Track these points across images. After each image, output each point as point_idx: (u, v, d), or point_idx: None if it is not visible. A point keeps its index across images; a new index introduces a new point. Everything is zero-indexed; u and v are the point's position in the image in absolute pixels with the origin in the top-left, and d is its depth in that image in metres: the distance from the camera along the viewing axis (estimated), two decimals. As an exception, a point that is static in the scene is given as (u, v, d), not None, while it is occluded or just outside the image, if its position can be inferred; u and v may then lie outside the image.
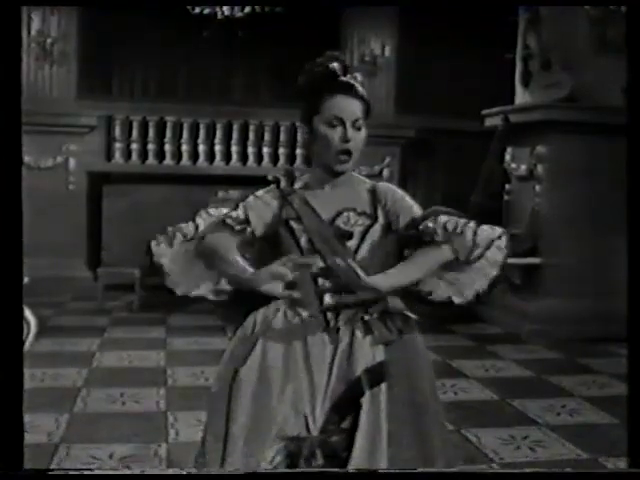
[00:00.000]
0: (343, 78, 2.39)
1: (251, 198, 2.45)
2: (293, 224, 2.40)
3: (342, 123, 2.34)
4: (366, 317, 2.36)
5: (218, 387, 2.45)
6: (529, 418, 5.05)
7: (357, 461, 2.27)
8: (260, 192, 2.48)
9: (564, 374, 6.21)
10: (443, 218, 2.36)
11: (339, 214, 2.39)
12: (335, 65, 2.40)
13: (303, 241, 2.39)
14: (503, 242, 2.36)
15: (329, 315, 2.38)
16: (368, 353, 2.34)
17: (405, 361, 2.38)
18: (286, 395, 2.34)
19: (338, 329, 2.37)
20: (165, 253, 2.41)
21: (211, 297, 2.44)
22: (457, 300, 2.41)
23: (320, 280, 2.38)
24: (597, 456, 4.32)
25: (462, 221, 2.35)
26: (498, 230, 2.37)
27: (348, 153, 2.35)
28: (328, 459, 2.32)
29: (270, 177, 2.51)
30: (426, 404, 2.38)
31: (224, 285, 2.41)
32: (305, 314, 2.39)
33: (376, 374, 2.33)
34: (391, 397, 2.32)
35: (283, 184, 2.46)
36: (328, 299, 2.38)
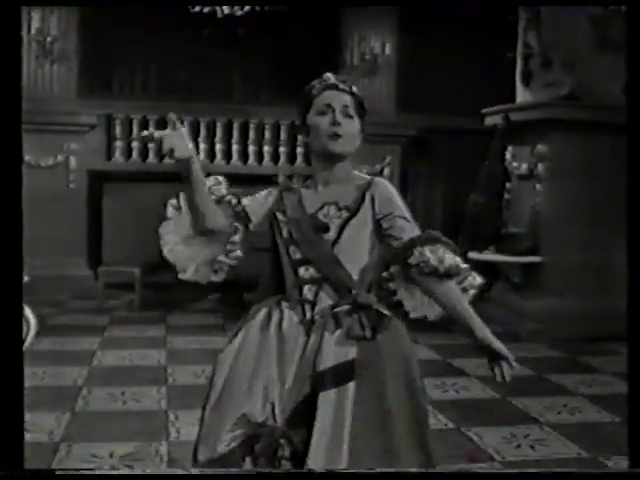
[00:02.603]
0: (332, 79, 2.48)
1: (250, 197, 2.55)
2: (278, 215, 2.49)
3: (332, 110, 2.42)
4: (336, 310, 2.38)
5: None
6: (530, 417, 5.05)
7: (315, 457, 2.27)
8: (260, 192, 2.57)
9: (565, 373, 6.21)
10: (440, 252, 2.35)
11: (322, 207, 2.45)
12: (328, 74, 2.49)
13: (284, 232, 2.46)
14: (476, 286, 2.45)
15: (306, 307, 2.42)
16: (338, 349, 2.35)
17: (377, 361, 2.37)
18: (258, 383, 2.37)
19: (313, 321, 2.40)
20: (169, 230, 2.53)
21: (205, 281, 2.56)
22: (430, 317, 2.51)
23: (301, 271, 2.43)
24: (598, 455, 4.32)
25: (456, 261, 2.37)
26: (479, 281, 2.45)
27: (338, 136, 2.40)
28: (290, 451, 2.33)
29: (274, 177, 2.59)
30: (398, 406, 2.36)
31: (223, 260, 2.50)
32: (285, 304, 2.45)
33: (344, 371, 2.33)
34: (358, 397, 2.31)
35: (281, 179, 2.54)
36: (307, 290, 2.42)
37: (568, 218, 7.60)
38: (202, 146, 10.63)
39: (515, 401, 5.38)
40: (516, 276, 8.00)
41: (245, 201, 2.52)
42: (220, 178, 2.56)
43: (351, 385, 2.32)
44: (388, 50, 10.59)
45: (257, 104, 10.88)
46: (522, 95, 8.36)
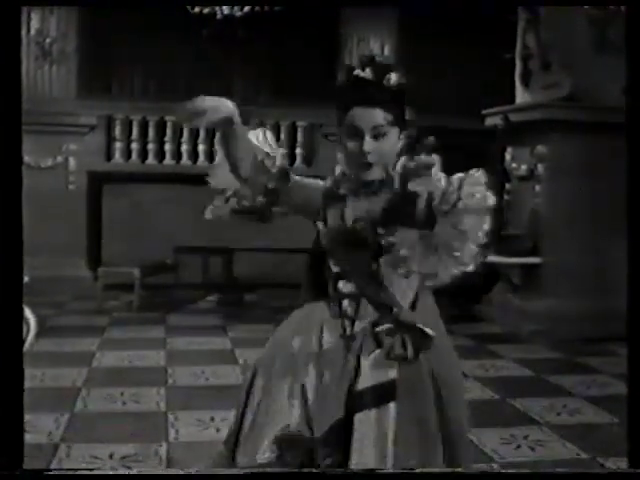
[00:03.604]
0: (364, 88, 2.30)
1: (305, 180, 2.44)
2: (320, 226, 2.41)
3: (361, 134, 2.27)
4: (376, 329, 2.28)
5: (244, 379, 2.49)
6: (529, 418, 5.05)
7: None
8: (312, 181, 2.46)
9: (564, 373, 6.21)
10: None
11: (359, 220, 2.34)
12: (359, 73, 2.31)
13: (325, 243, 2.39)
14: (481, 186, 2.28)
15: (346, 322, 2.34)
16: (379, 368, 2.27)
17: (419, 381, 2.29)
18: (295, 395, 2.32)
19: (353, 337, 2.32)
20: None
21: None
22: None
23: (340, 284, 2.36)
24: (597, 456, 4.32)
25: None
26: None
27: (369, 164, 2.29)
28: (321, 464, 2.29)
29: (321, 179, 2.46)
30: (441, 426, 2.31)
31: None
32: (326, 316, 2.37)
33: (384, 392, 2.25)
34: (400, 418, 2.25)
35: (328, 183, 2.43)
36: (346, 305, 2.35)
37: (568, 219, 7.61)
38: (201, 147, 10.64)
39: (514, 402, 5.38)
40: (516, 277, 8.00)
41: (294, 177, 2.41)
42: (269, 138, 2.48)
43: (392, 406, 2.25)
44: (387, 51, 10.60)
45: (256, 105, 10.88)
46: (522, 96, 8.37)
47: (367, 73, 2.30)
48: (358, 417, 2.25)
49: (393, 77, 2.29)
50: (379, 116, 2.27)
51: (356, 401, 2.26)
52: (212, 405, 5.13)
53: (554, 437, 4.66)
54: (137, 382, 5.72)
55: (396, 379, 2.27)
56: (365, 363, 2.28)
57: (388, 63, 2.35)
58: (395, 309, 2.29)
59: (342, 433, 2.27)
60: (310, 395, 2.32)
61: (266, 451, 2.31)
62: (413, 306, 2.33)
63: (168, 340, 7.21)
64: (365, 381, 2.27)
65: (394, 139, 2.31)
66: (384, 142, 2.28)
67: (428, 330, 2.27)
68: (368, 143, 2.26)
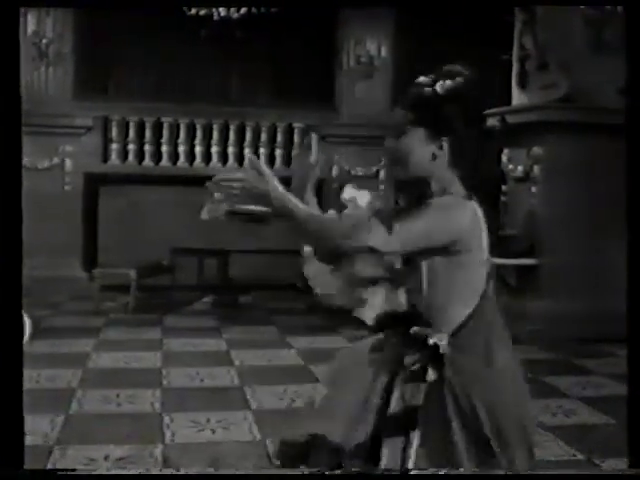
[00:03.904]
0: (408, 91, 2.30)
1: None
2: None
3: (387, 132, 2.30)
4: (406, 360, 2.21)
5: None
6: (525, 419, 5.05)
7: None
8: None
9: (560, 375, 6.22)
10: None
11: None
12: (420, 77, 2.30)
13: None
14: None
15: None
16: (405, 393, 2.21)
17: (443, 407, 2.17)
18: (340, 404, 2.29)
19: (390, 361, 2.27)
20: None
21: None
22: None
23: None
24: (593, 457, 4.32)
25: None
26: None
27: (391, 162, 2.29)
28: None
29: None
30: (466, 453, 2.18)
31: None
32: (377, 338, 2.33)
33: (409, 418, 2.19)
34: (421, 450, 2.18)
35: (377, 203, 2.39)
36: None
37: (564, 220, 7.62)
38: (198, 149, 10.64)
39: (511, 403, 5.37)
40: (512, 278, 8.00)
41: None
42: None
43: (416, 435, 2.18)
44: (384, 52, 10.62)
45: (254, 106, 10.89)
46: (518, 97, 8.38)
47: (426, 78, 2.29)
48: (385, 441, 2.21)
49: (446, 83, 2.26)
50: (399, 115, 2.27)
51: (383, 424, 2.22)
52: (207, 406, 5.14)
53: (550, 438, 4.66)
54: (132, 383, 5.71)
55: (420, 406, 2.19)
56: (396, 386, 2.23)
57: (448, 70, 2.31)
58: (414, 327, 2.21)
59: (368, 454, 2.23)
60: (347, 407, 2.26)
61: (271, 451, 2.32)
62: (460, 327, 2.29)
63: (164, 341, 7.21)
64: (393, 405, 2.22)
65: (414, 140, 2.24)
66: (400, 142, 2.25)
67: (443, 346, 2.17)
68: (387, 140, 2.29)
